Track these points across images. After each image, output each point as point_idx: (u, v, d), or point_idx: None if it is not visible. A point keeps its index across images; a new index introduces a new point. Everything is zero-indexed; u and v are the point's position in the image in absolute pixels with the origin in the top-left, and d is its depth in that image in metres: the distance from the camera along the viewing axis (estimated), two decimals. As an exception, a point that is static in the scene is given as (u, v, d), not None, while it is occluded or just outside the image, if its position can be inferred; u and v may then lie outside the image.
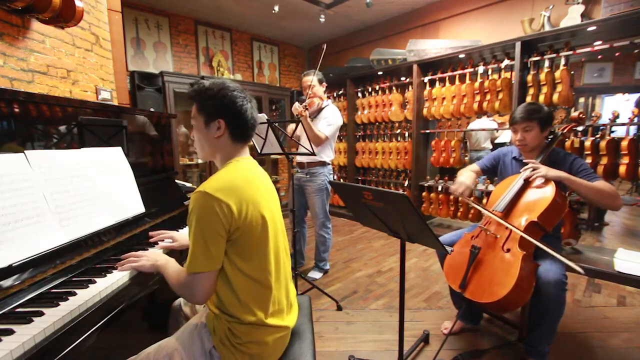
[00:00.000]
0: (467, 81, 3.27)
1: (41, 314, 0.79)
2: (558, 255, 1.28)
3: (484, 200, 3.22)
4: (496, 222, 1.55)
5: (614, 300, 2.21)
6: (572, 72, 2.68)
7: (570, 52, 2.64)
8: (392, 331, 1.89)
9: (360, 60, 4.53)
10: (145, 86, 3.74)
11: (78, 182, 1.13)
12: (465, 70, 3.30)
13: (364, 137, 4.49)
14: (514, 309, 1.51)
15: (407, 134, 3.92)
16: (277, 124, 2.02)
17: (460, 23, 4.07)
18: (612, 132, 2.62)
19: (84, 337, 0.79)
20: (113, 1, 2.56)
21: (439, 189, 3.60)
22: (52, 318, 0.77)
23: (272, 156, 4.96)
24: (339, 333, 1.91)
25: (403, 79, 3.95)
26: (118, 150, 1.41)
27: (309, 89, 2.38)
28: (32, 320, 0.76)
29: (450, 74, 3.39)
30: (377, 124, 4.29)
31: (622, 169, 2.43)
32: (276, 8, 4.09)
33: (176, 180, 2.02)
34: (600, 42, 2.61)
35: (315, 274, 2.66)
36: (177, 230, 1.48)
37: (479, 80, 3.16)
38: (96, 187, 1.21)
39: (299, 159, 2.52)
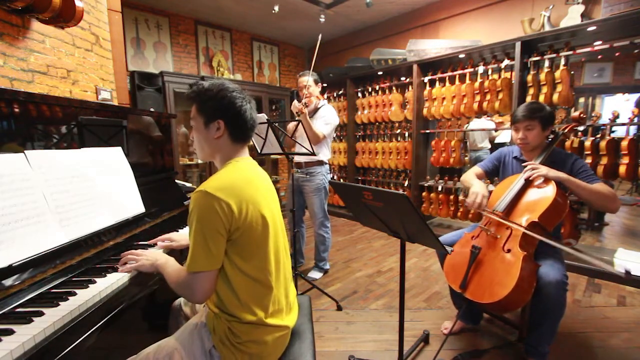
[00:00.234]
0: (467, 81, 3.27)
1: (41, 314, 0.79)
2: (565, 248, 1.28)
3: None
4: (496, 222, 1.55)
5: (614, 300, 2.21)
6: (572, 72, 2.68)
7: (570, 52, 2.64)
8: (392, 331, 1.89)
9: (360, 60, 4.53)
10: (145, 86, 3.74)
11: (78, 182, 1.13)
12: (465, 70, 3.30)
13: (364, 137, 4.49)
14: (515, 309, 1.51)
15: (407, 134, 3.92)
16: (277, 124, 2.02)
17: (460, 23, 4.07)
18: (612, 132, 2.62)
19: (84, 337, 0.79)
20: (113, 1, 2.56)
21: (439, 189, 3.60)
22: (52, 318, 0.77)
23: (272, 156, 4.96)
24: (339, 333, 1.91)
25: (403, 79, 3.95)
26: (118, 150, 1.41)
27: (305, 89, 2.42)
28: (32, 320, 0.76)
29: (450, 74, 3.39)
30: (377, 124, 4.29)
31: (622, 169, 2.43)
32: (276, 8, 4.09)
33: (176, 180, 2.02)
34: (600, 42, 2.61)
35: (315, 274, 2.66)
36: (177, 231, 1.48)
37: (479, 80, 3.16)
38: (96, 187, 1.21)
39: (296, 159, 2.54)
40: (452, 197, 3.52)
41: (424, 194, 3.76)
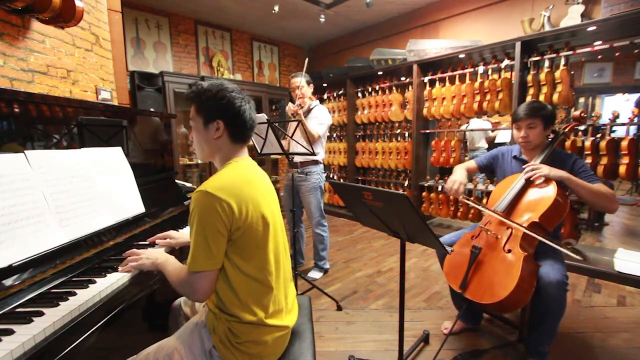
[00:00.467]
0: (467, 81, 3.27)
1: (41, 314, 0.79)
2: (564, 250, 1.28)
3: (484, 200, 3.22)
4: (497, 222, 1.55)
5: (614, 300, 2.21)
6: (572, 72, 2.68)
7: (570, 52, 2.64)
8: (392, 331, 1.89)
9: (360, 60, 4.53)
10: (145, 86, 3.74)
11: (78, 182, 1.13)
12: (465, 70, 3.30)
13: (364, 137, 4.49)
14: (515, 310, 1.51)
15: (407, 134, 3.92)
16: (277, 124, 2.02)
17: (460, 23, 4.07)
18: (612, 132, 2.62)
19: (84, 337, 0.79)
20: (113, 1, 2.56)
21: (439, 189, 3.60)
22: (52, 318, 0.77)
23: (272, 156, 4.97)
24: (339, 333, 1.91)
25: (403, 79, 3.95)
26: (118, 150, 1.41)
27: (298, 89, 2.47)
28: (32, 320, 0.76)
29: (450, 74, 3.39)
30: (377, 124, 4.29)
31: (622, 169, 2.43)
32: (276, 8, 4.09)
33: (176, 180, 2.02)
34: (600, 42, 2.61)
35: (315, 274, 2.66)
36: (177, 230, 1.48)
37: (479, 80, 3.16)
38: (96, 187, 1.21)
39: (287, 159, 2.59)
40: (451, 197, 3.51)
41: (424, 194, 3.76)
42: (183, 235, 1.33)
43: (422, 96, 3.70)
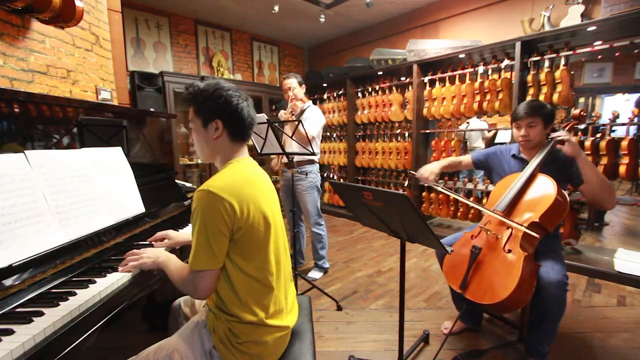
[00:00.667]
0: (467, 81, 3.27)
1: (41, 314, 0.79)
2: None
3: (484, 200, 3.22)
4: (496, 222, 1.55)
5: (614, 300, 2.20)
6: (572, 72, 2.68)
7: (570, 52, 2.64)
8: (392, 331, 1.89)
9: (360, 60, 4.52)
10: (145, 86, 3.74)
11: (78, 182, 1.13)
12: (465, 70, 3.30)
13: (364, 137, 4.49)
14: (515, 310, 1.51)
15: (407, 134, 3.92)
16: (277, 124, 2.03)
17: (460, 23, 4.07)
18: (612, 132, 2.62)
19: (84, 337, 0.79)
20: (113, 1, 2.56)
21: (439, 189, 3.59)
22: (52, 318, 0.77)
23: (272, 156, 4.96)
24: (339, 333, 1.91)
25: (403, 79, 3.95)
26: (118, 150, 1.41)
27: (290, 91, 2.49)
28: (32, 320, 0.76)
29: (450, 74, 3.39)
30: (377, 124, 4.29)
31: (622, 169, 2.43)
32: (276, 8, 4.09)
33: (176, 180, 2.02)
34: (600, 42, 2.61)
35: (315, 274, 2.66)
36: (177, 230, 1.48)
37: (479, 80, 3.16)
38: (96, 187, 1.21)
39: (287, 159, 2.59)
40: (452, 197, 3.51)
41: (424, 194, 3.76)
42: (182, 235, 1.33)
43: (422, 96, 3.70)
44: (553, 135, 1.58)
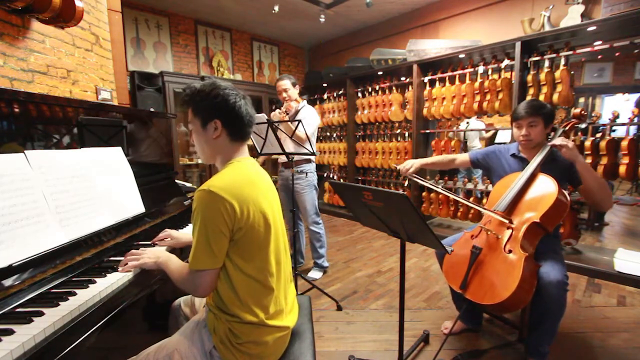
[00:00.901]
0: (467, 81, 3.27)
1: (41, 314, 0.79)
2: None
3: (484, 200, 3.21)
4: (497, 222, 1.55)
5: (614, 300, 2.20)
6: (572, 72, 2.68)
7: (570, 52, 2.64)
8: (392, 331, 1.89)
9: (360, 60, 4.53)
10: (145, 86, 3.74)
11: (78, 182, 1.13)
12: (465, 70, 3.30)
13: (364, 137, 4.49)
14: (515, 310, 1.51)
15: (407, 134, 3.92)
16: (277, 124, 2.03)
17: (460, 23, 4.07)
18: (612, 132, 2.62)
19: (84, 337, 0.79)
20: (113, 1, 2.56)
21: (439, 189, 3.59)
22: (52, 318, 0.77)
23: (272, 156, 4.96)
24: (339, 333, 1.91)
25: (403, 79, 3.95)
26: (118, 150, 1.41)
27: (284, 92, 2.51)
28: (32, 320, 0.76)
29: (450, 74, 3.39)
30: (377, 124, 4.29)
31: (622, 169, 2.43)
32: (276, 8, 4.09)
33: (176, 180, 2.02)
34: (600, 42, 2.61)
35: (315, 274, 2.66)
36: (177, 230, 1.47)
37: (479, 80, 3.16)
38: (96, 187, 1.21)
39: (282, 158, 2.63)
40: (451, 197, 3.51)
41: (424, 194, 3.76)
42: (185, 235, 1.33)
43: (422, 96, 3.70)
44: (550, 144, 1.57)
